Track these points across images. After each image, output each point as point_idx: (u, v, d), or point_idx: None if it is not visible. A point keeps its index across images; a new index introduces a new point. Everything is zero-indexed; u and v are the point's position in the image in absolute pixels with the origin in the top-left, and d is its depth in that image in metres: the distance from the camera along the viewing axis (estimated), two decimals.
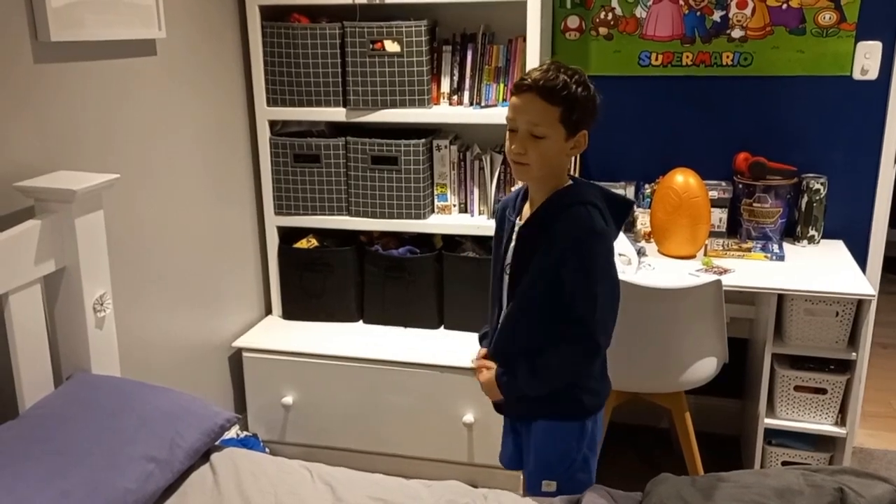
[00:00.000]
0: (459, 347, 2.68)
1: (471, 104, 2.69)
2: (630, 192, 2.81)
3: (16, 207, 1.80)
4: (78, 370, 1.85)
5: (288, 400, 2.73)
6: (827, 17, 2.67)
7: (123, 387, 1.81)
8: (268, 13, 2.71)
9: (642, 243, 2.75)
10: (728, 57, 2.77)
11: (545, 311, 1.69)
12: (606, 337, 1.69)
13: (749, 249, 2.65)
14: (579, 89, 1.60)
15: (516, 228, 1.75)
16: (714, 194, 2.71)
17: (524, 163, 1.64)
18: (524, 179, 1.75)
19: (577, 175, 1.96)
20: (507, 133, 1.67)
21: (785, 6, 2.69)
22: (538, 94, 1.59)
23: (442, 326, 2.86)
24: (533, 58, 2.51)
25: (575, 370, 1.71)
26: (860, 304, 2.37)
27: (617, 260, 1.79)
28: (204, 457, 1.78)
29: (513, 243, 1.75)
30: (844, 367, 2.45)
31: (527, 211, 1.75)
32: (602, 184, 2.47)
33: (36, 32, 1.83)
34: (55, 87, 1.91)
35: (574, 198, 1.67)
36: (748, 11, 2.72)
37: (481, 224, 2.72)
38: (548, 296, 1.67)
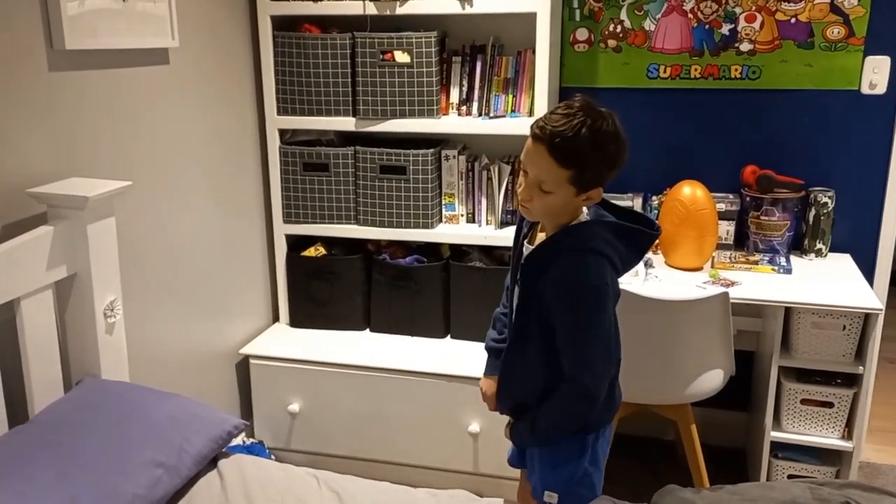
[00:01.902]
0: (466, 357, 2.68)
1: (479, 115, 2.70)
2: (638, 203, 2.82)
3: (28, 213, 1.81)
4: (87, 375, 1.86)
5: (294, 407, 2.74)
6: (835, 32, 2.68)
7: (132, 392, 1.82)
8: (279, 23, 2.73)
9: (649, 255, 2.75)
10: (736, 70, 2.78)
11: (536, 350, 1.67)
12: (599, 384, 1.63)
13: (756, 262, 2.65)
14: (597, 148, 1.49)
15: (525, 249, 1.72)
16: (721, 207, 2.72)
17: (529, 208, 1.60)
18: (528, 218, 1.70)
19: None
20: (521, 170, 1.62)
21: (793, 20, 2.70)
22: (549, 150, 1.49)
23: (448, 336, 2.86)
24: (542, 70, 2.53)
25: (572, 422, 1.69)
26: (867, 318, 2.37)
27: (624, 276, 1.77)
28: (211, 463, 1.79)
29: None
30: (851, 380, 2.45)
31: (538, 235, 1.72)
32: (610, 196, 2.33)
33: (51, 40, 1.85)
34: (69, 95, 1.93)
35: (577, 241, 1.59)
36: (757, 25, 2.73)
37: (489, 234, 2.73)
38: (539, 337, 1.65)
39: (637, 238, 1.66)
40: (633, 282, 2.44)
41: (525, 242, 1.74)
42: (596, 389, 1.63)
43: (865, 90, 2.69)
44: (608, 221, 1.63)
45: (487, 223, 2.78)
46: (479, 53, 2.69)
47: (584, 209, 1.64)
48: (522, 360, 1.71)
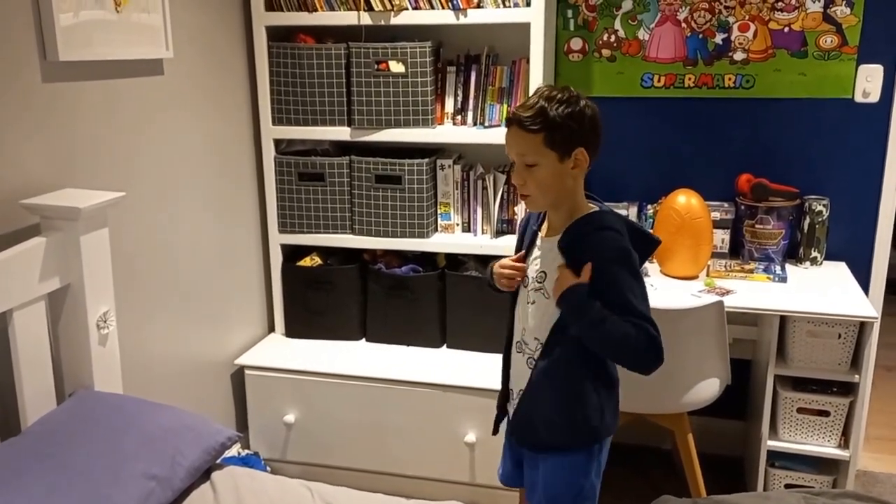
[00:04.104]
0: (462, 366, 2.68)
1: (474, 124, 2.71)
2: (633, 212, 2.82)
3: (22, 224, 1.81)
4: (80, 387, 1.85)
5: (290, 418, 2.73)
6: (828, 41, 2.69)
7: (125, 404, 1.81)
8: (274, 33, 2.74)
9: (645, 263, 2.76)
10: (730, 79, 2.79)
11: (568, 353, 1.68)
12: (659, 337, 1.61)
13: (751, 271, 2.65)
14: (559, 109, 1.60)
15: (539, 240, 1.74)
16: (716, 215, 2.72)
17: (527, 194, 1.67)
18: (535, 210, 1.76)
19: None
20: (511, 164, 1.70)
21: (787, 29, 2.71)
22: (518, 125, 1.63)
23: (444, 345, 2.86)
24: (536, 79, 2.53)
25: (630, 352, 1.61)
26: (863, 326, 2.37)
27: None
28: (205, 475, 1.78)
29: (536, 253, 1.73)
30: (847, 389, 2.45)
31: (544, 230, 1.75)
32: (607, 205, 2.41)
33: (45, 52, 1.85)
34: (63, 106, 1.93)
35: (600, 223, 1.66)
36: (750, 34, 2.74)
37: (484, 243, 2.73)
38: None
39: (641, 241, 1.71)
40: None
41: (538, 233, 1.76)
42: (659, 341, 1.60)
43: (859, 98, 2.70)
44: (619, 214, 1.72)
45: (483, 232, 2.78)
46: (474, 63, 2.70)
47: (590, 205, 1.70)
48: (552, 365, 1.70)
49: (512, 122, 1.65)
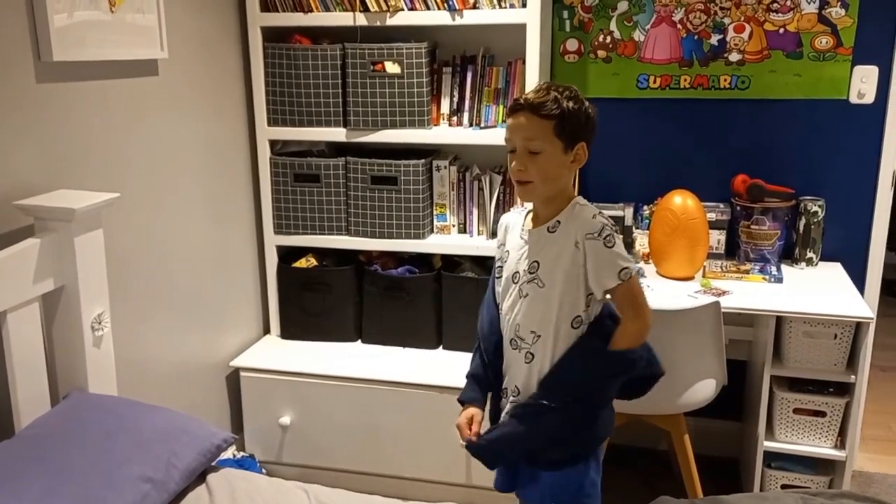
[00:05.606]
0: (458, 367, 2.66)
1: (470, 125, 2.71)
2: (629, 213, 2.82)
3: (15, 226, 1.80)
4: (75, 389, 1.84)
5: (285, 420, 2.72)
6: (824, 42, 2.69)
7: (120, 406, 1.80)
8: (270, 34, 2.73)
9: (641, 264, 2.76)
10: (726, 80, 2.79)
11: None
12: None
13: (747, 271, 2.65)
14: (570, 103, 1.64)
15: (525, 233, 1.73)
16: (712, 216, 2.72)
17: (526, 180, 1.66)
18: (530, 199, 1.74)
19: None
20: (508, 156, 1.69)
21: (782, 30, 2.72)
22: (530, 111, 1.64)
23: (440, 347, 2.85)
24: (532, 80, 2.53)
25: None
26: (859, 327, 2.37)
27: None
28: (200, 477, 1.77)
29: (523, 247, 1.73)
30: (843, 389, 2.45)
31: (529, 224, 1.75)
32: (601, 205, 2.50)
33: (39, 52, 1.84)
34: (57, 107, 1.92)
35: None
36: (745, 35, 2.75)
37: (480, 244, 2.72)
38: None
39: None
40: None
41: (523, 229, 1.75)
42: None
43: (854, 99, 2.70)
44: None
45: (479, 233, 2.77)
46: (470, 64, 2.70)
47: (580, 200, 1.71)
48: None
49: (523, 106, 1.65)
